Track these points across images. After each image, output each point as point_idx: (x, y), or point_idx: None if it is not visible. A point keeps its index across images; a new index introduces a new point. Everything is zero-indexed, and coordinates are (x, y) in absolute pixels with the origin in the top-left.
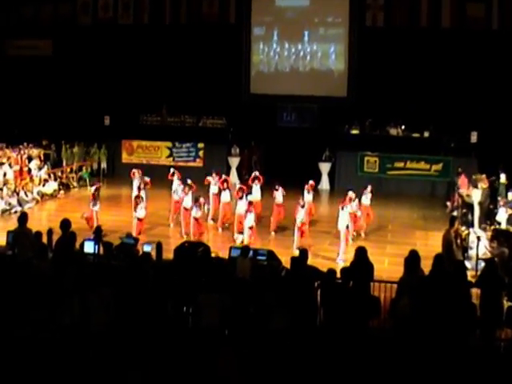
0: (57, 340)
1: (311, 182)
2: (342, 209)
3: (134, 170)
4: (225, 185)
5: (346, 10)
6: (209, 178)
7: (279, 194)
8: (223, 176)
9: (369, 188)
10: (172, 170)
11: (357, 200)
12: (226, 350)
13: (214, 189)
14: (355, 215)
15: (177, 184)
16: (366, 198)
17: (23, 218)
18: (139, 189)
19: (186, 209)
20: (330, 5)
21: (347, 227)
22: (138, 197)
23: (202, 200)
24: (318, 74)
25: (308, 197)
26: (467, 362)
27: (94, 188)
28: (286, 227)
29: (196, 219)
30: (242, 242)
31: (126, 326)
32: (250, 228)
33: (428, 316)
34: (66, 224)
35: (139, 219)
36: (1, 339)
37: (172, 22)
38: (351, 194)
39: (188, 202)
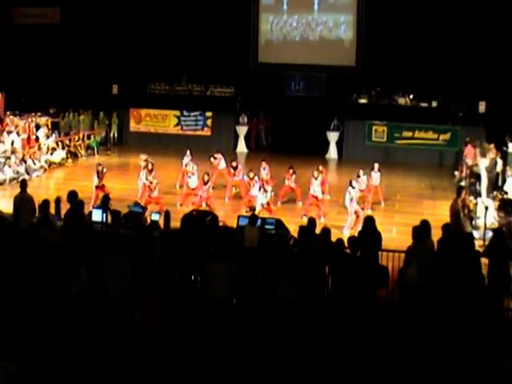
0: (62, 308)
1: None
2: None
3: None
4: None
5: None
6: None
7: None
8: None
9: (376, 167)
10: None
11: (364, 177)
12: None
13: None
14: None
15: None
16: (375, 179)
17: (23, 184)
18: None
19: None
20: None
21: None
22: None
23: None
24: (327, 43)
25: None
26: (475, 332)
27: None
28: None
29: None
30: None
31: (135, 295)
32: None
33: (435, 285)
34: (73, 195)
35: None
36: (2, 306)
37: None
38: (361, 173)
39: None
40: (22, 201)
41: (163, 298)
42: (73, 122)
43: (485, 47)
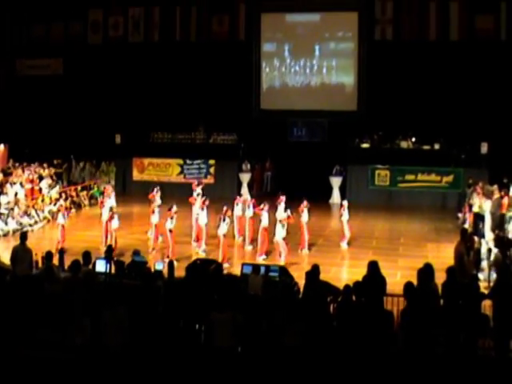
0: (68, 360)
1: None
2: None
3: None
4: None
5: (356, 24)
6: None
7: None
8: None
9: (345, 203)
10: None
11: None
12: None
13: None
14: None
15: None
16: (345, 215)
17: (23, 236)
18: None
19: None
20: (340, 19)
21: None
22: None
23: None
24: (329, 89)
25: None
26: (481, 373)
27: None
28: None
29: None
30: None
31: (139, 345)
32: None
33: (440, 327)
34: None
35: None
36: (8, 358)
37: (182, 40)
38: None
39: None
40: (21, 252)
41: None
42: (76, 173)
43: (485, 89)
